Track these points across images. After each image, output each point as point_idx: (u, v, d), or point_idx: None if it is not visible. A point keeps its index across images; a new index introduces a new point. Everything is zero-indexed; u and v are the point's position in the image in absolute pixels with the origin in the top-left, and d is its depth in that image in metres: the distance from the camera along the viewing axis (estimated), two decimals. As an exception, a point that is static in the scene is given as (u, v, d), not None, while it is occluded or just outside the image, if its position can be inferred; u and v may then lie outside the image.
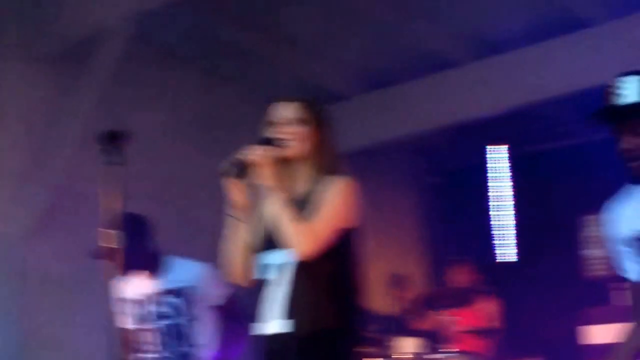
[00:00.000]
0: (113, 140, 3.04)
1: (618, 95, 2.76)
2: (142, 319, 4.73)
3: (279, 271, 3.15)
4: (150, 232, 4.74)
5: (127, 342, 4.76)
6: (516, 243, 8.57)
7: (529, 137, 8.58)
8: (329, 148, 3.26)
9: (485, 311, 7.27)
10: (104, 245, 4.59)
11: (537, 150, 8.52)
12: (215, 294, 4.69)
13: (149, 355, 4.68)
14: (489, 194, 8.70)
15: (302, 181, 3.24)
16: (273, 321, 3.12)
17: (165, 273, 4.70)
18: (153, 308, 4.70)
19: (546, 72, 6.92)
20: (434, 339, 7.10)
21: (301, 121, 3.23)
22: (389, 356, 6.64)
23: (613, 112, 2.77)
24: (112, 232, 4.42)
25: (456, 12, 6.97)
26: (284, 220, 3.07)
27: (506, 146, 8.71)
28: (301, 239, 3.03)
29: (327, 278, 3.10)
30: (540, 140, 8.55)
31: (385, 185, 9.05)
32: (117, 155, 3.05)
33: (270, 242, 3.20)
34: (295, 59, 7.69)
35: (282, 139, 3.19)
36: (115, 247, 4.37)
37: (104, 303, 2.91)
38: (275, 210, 3.10)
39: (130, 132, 3.12)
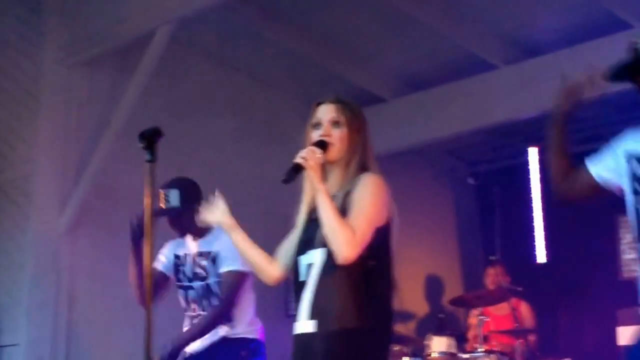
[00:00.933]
0: (150, 138, 3.11)
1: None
2: (180, 277, 4.96)
3: (310, 271, 3.19)
4: (201, 197, 4.82)
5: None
6: (545, 244, 8.52)
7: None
8: (363, 150, 3.29)
9: (517, 312, 7.27)
10: (161, 205, 4.77)
11: (573, 151, 8.42)
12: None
13: (188, 313, 4.90)
14: (532, 195, 8.64)
15: (335, 182, 3.26)
16: (302, 321, 3.17)
17: (206, 237, 4.89)
18: (189, 268, 4.92)
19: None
20: (466, 338, 7.11)
21: (340, 123, 3.27)
22: (421, 355, 6.66)
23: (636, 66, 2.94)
24: (170, 191, 4.71)
25: (497, 14, 6.95)
26: (330, 223, 3.08)
27: (536, 148, 8.67)
28: (347, 245, 3.04)
29: (357, 277, 3.10)
30: (577, 141, 8.47)
31: (424, 187, 9.07)
32: (151, 154, 3.11)
33: (307, 243, 3.24)
34: (338, 61, 7.74)
35: (326, 142, 3.24)
36: (172, 206, 4.74)
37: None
38: (322, 212, 3.11)
39: (161, 131, 3.15)
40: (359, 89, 7.88)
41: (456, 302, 7.35)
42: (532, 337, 7.30)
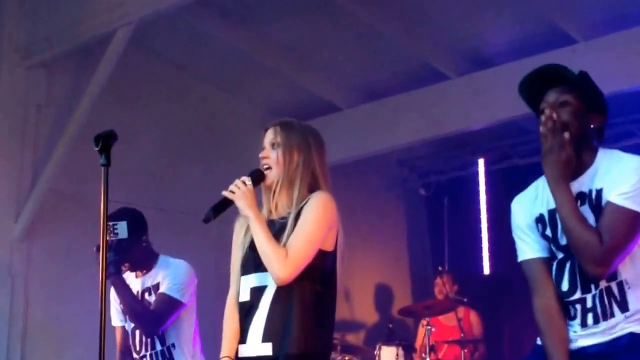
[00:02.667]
0: (104, 141, 3.09)
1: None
2: (126, 319, 4.80)
3: (260, 293, 3.22)
4: (147, 227, 4.80)
5: (119, 340, 4.86)
6: (490, 256, 8.63)
7: (511, 151, 8.60)
8: (307, 168, 3.31)
9: (464, 322, 7.35)
10: (108, 238, 4.58)
11: (519, 164, 8.54)
12: (188, 291, 4.69)
13: (134, 355, 4.76)
14: (480, 207, 8.74)
15: (284, 204, 3.30)
16: (253, 344, 3.19)
17: (150, 272, 4.76)
18: None
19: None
20: (414, 348, 7.18)
21: (276, 145, 3.31)
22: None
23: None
24: (117, 223, 4.50)
25: (450, 26, 7.01)
26: (261, 246, 3.15)
27: (483, 159, 8.79)
28: (278, 266, 3.10)
29: (305, 300, 3.17)
30: (523, 154, 8.55)
31: (375, 197, 9.13)
32: (106, 157, 3.08)
33: (251, 265, 3.27)
34: (295, 69, 7.75)
35: (261, 169, 3.30)
36: (121, 239, 4.52)
37: (96, 302, 3.02)
38: (254, 236, 3.17)
39: (116, 134, 3.13)
40: (316, 97, 7.93)
41: (405, 312, 7.43)
42: (480, 347, 7.38)
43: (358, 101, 8.10)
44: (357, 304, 8.72)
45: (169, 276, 4.67)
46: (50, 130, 6.95)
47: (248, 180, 3.23)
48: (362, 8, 6.76)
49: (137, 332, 4.76)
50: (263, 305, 3.19)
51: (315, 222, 3.18)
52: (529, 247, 3.18)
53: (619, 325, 2.99)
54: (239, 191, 3.18)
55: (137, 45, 6.75)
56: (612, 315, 2.99)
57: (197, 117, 7.94)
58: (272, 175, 3.29)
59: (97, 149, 3.09)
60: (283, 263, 3.10)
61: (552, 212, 3.07)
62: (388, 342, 6.93)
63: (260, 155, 3.34)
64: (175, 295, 4.62)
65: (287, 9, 6.93)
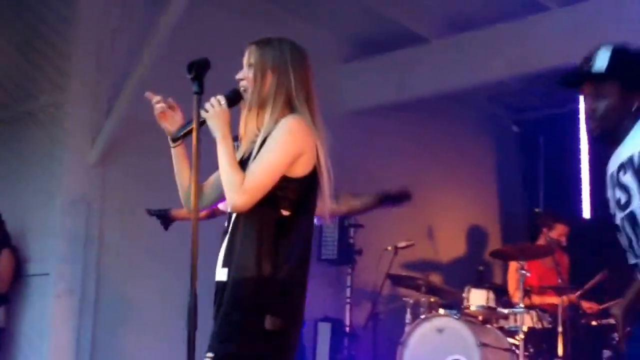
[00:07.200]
0: (198, 69, 2.97)
1: (589, 63, 3.02)
2: None
3: (230, 219, 3.14)
4: None
5: None
6: (591, 199, 8.27)
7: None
8: (282, 88, 3.13)
9: (561, 267, 7.02)
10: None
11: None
12: None
13: None
14: (580, 146, 8.34)
15: (254, 128, 3.17)
16: (218, 268, 3.12)
17: None
18: None
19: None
20: (506, 292, 6.90)
21: (251, 65, 3.17)
22: (458, 307, 6.46)
23: (577, 77, 3.06)
24: None
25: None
26: (221, 170, 3.06)
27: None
28: (233, 193, 3.00)
29: (266, 226, 3.02)
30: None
31: (462, 133, 8.75)
32: (199, 85, 2.99)
33: None
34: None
35: (238, 89, 3.17)
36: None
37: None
38: (219, 159, 3.07)
39: (209, 62, 3.04)
40: (401, 27, 7.64)
41: (497, 254, 7.12)
42: (571, 293, 6.98)
43: (446, 33, 7.72)
44: (443, 244, 8.40)
45: None
46: (126, 55, 6.71)
47: (223, 99, 3.11)
48: None
49: None
50: (230, 229, 3.13)
51: (278, 149, 3.03)
52: None
53: None
54: (212, 110, 3.07)
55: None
56: None
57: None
58: (250, 96, 3.15)
59: (190, 76, 3.01)
60: (237, 190, 3.00)
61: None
62: (477, 284, 6.64)
63: (237, 76, 3.19)
64: None
65: None
